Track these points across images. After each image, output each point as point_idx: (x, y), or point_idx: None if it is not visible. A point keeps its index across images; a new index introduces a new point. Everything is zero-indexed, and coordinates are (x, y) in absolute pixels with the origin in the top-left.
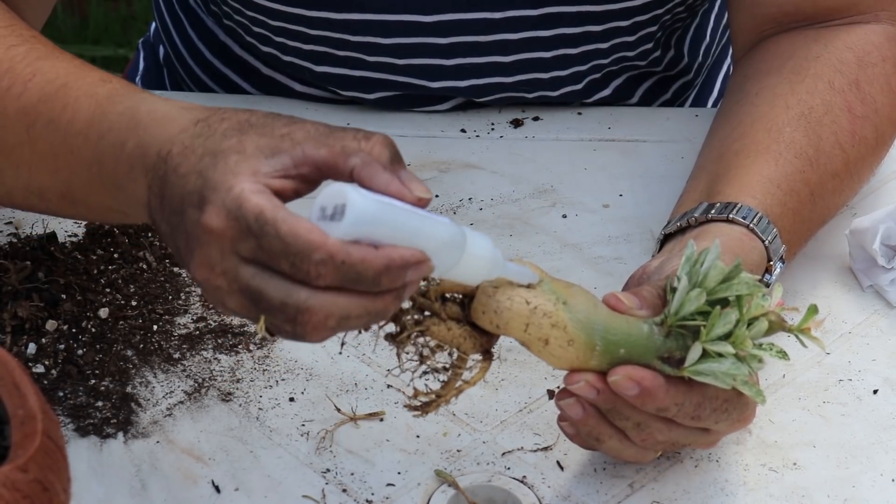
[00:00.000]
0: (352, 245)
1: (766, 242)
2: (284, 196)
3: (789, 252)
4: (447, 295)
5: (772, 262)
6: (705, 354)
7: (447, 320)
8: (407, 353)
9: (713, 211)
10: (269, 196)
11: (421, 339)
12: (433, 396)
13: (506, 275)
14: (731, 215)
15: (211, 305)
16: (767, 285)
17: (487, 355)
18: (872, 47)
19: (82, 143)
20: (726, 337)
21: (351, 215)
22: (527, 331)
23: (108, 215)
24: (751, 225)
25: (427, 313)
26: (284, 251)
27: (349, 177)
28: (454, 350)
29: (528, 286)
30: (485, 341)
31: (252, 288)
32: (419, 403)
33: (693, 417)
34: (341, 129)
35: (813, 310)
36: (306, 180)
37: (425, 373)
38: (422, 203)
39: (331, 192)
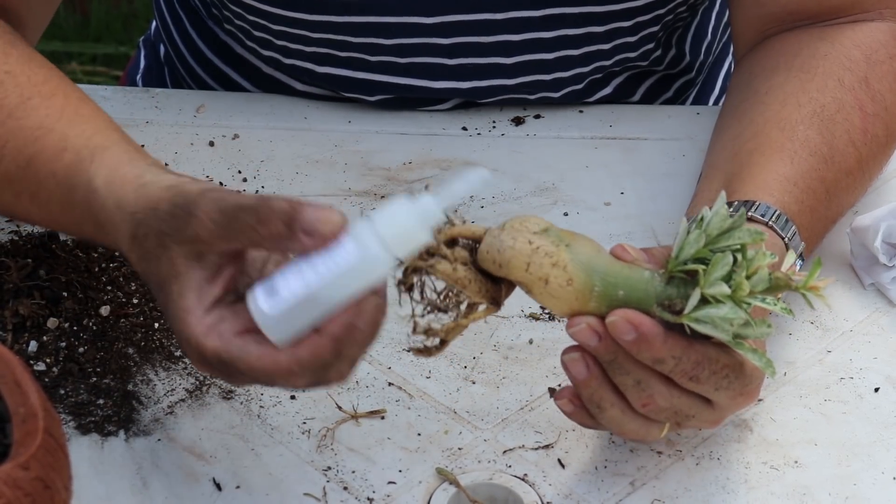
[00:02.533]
0: (299, 348)
1: (786, 239)
2: (231, 283)
3: (807, 250)
4: (458, 240)
5: None
6: (705, 302)
7: (454, 262)
8: (415, 301)
9: (731, 209)
10: (219, 332)
11: (428, 282)
12: (436, 341)
13: (451, 202)
14: (749, 213)
15: None
16: None
17: (494, 303)
18: (879, 45)
19: (67, 221)
20: (725, 280)
21: (266, 328)
22: (528, 270)
23: None
24: (770, 222)
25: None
26: (255, 378)
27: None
28: (461, 297)
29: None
30: (492, 289)
31: (265, 386)
32: (422, 347)
33: (691, 378)
34: (235, 215)
35: (818, 264)
36: (235, 259)
37: (429, 311)
38: (341, 227)
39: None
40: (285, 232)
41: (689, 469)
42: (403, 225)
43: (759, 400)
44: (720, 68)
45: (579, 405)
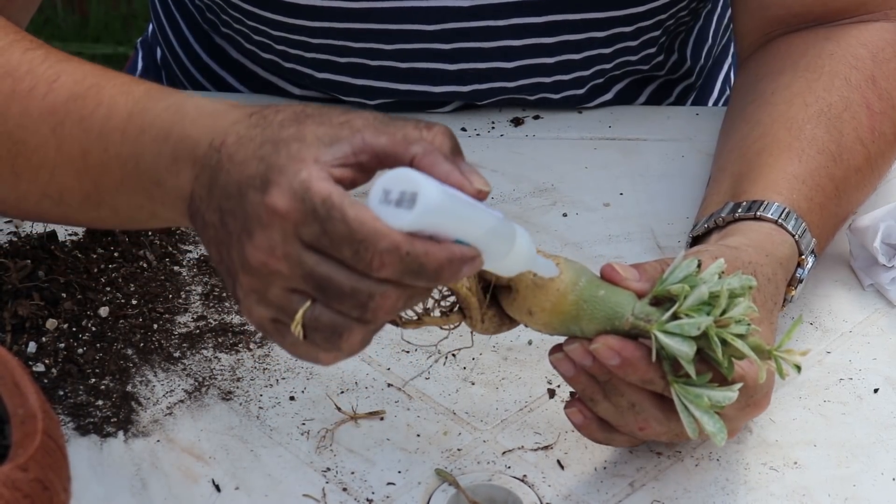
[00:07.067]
0: (415, 237)
1: (796, 236)
2: (343, 185)
3: (818, 246)
4: None
5: (803, 256)
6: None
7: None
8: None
9: (740, 210)
10: (335, 182)
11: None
12: (414, 316)
13: (535, 268)
14: (758, 213)
15: (233, 310)
16: (801, 280)
17: (461, 313)
18: (885, 43)
19: (119, 138)
20: (704, 306)
21: (422, 205)
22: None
23: (133, 216)
24: (779, 220)
25: None
26: (349, 237)
27: (410, 165)
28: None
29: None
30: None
31: (318, 274)
32: (401, 319)
33: None
34: (401, 119)
35: (798, 321)
36: (364, 169)
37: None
38: (481, 196)
39: (397, 176)
40: (448, 155)
41: (688, 470)
42: (521, 254)
43: None
44: (718, 71)
45: (590, 416)
